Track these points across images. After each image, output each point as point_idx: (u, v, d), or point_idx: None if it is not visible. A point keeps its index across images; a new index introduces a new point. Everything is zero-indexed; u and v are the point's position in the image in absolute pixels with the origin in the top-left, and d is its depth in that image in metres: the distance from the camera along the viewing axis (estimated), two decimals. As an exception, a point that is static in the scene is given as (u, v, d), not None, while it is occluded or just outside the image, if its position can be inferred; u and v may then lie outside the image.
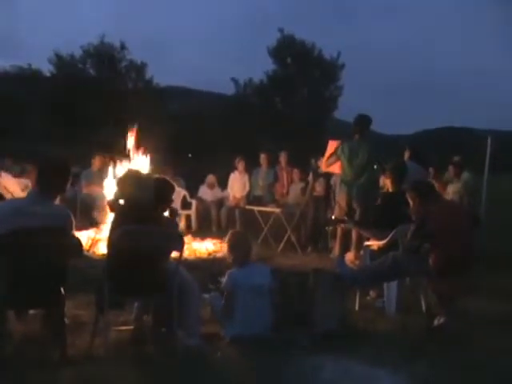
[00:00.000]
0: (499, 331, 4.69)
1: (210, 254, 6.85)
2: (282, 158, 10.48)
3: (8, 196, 6.52)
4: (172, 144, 20.51)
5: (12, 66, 29.18)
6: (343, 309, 4.76)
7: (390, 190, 5.99)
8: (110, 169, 8.29)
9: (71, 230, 3.88)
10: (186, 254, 6.09)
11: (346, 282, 4.98)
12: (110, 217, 4.45)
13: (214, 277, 5.12)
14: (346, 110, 27.33)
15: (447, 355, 4.13)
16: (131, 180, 4.45)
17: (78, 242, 3.93)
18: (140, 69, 29.57)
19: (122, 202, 4.38)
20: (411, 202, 5.11)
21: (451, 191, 8.43)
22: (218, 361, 3.82)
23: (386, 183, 6.24)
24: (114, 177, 7.62)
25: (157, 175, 4.57)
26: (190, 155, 24.82)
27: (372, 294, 5.62)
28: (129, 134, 8.01)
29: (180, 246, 4.09)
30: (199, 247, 7.19)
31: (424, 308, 5.25)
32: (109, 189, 7.37)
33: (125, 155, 7.96)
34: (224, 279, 4.42)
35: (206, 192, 11.00)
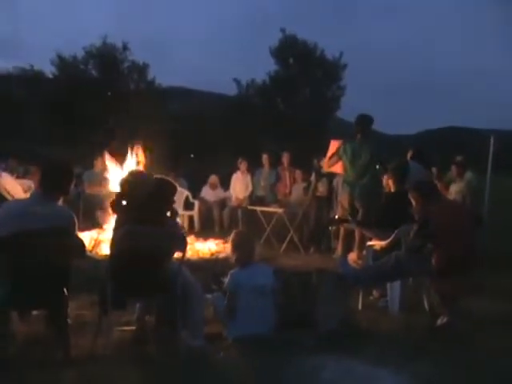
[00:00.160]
0: (502, 331, 4.69)
1: (212, 255, 6.85)
2: (285, 158, 10.48)
3: (9, 197, 6.52)
4: (174, 144, 20.53)
5: (14, 68, 29.24)
6: (346, 309, 4.76)
7: (393, 190, 5.99)
8: (113, 170, 8.29)
9: (74, 230, 3.89)
10: (189, 254, 6.08)
11: (349, 281, 4.98)
12: (113, 217, 4.46)
13: (216, 277, 5.12)
14: (348, 109, 27.32)
15: (450, 355, 4.12)
16: (133, 181, 4.46)
17: (81, 243, 3.93)
18: (142, 69, 29.59)
19: (124, 202, 4.38)
20: (414, 202, 5.11)
21: (454, 191, 8.42)
22: (220, 361, 3.82)
23: (388, 183, 6.24)
24: (117, 178, 7.61)
25: (159, 176, 4.56)
26: (192, 156, 24.83)
27: (375, 293, 5.62)
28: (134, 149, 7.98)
29: (183, 247, 4.09)
30: (202, 248, 7.19)
31: (427, 308, 5.25)
32: (112, 189, 7.37)
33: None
34: (226, 279, 4.42)
35: (208, 192, 11.01)
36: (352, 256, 5.98)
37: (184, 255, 4.13)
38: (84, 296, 4.79)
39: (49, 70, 28.52)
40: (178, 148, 21.43)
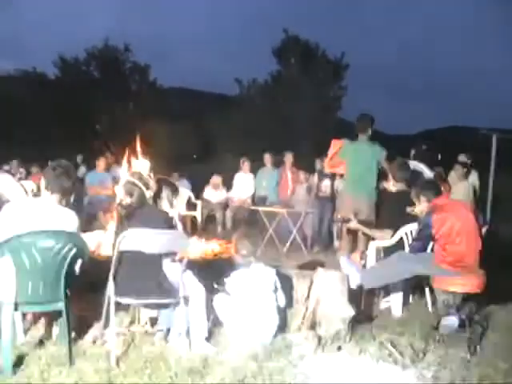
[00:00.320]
0: (505, 331, 4.69)
1: (215, 255, 6.83)
2: (287, 158, 10.47)
3: (9, 198, 6.53)
4: (176, 145, 20.56)
5: (16, 70, 29.27)
6: (349, 309, 4.75)
7: (395, 190, 5.99)
8: (116, 171, 8.29)
9: (77, 231, 3.89)
10: (191, 255, 6.07)
11: (352, 281, 4.98)
12: (115, 219, 4.46)
13: (219, 278, 5.12)
14: (349, 109, 27.27)
15: (454, 355, 4.12)
16: (135, 182, 4.46)
17: (84, 244, 3.94)
18: (143, 70, 29.63)
19: (126, 203, 4.39)
20: (416, 202, 5.11)
21: (457, 190, 8.41)
22: (223, 363, 3.82)
23: (390, 183, 6.24)
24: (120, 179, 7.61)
25: (160, 177, 4.57)
26: (194, 156, 24.86)
27: (378, 293, 5.61)
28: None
29: (185, 247, 4.10)
30: (204, 248, 7.17)
31: (430, 308, 5.24)
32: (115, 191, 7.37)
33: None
34: (229, 280, 4.42)
35: (210, 193, 11.01)
36: (355, 256, 5.97)
37: (186, 256, 4.13)
38: (87, 297, 4.78)
39: (51, 72, 28.60)
40: (181, 149, 21.45)
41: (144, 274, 3.90)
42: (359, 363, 3.87)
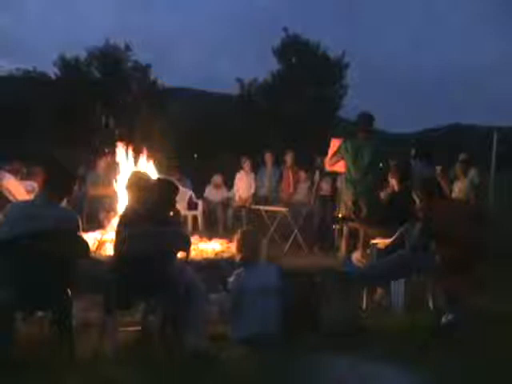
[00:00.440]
0: (507, 328, 4.68)
1: (216, 255, 6.83)
2: (288, 157, 10.46)
3: (11, 198, 6.53)
4: (177, 145, 20.54)
5: (17, 70, 29.27)
6: (351, 307, 4.75)
7: (396, 188, 5.99)
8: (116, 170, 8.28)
9: (78, 231, 3.90)
10: (193, 254, 6.08)
11: (354, 280, 4.98)
12: (116, 218, 4.47)
13: (222, 277, 5.12)
14: (350, 109, 27.27)
15: (455, 353, 4.12)
16: (137, 182, 4.47)
17: (85, 244, 3.94)
18: (145, 70, 29.61)
19: (127, 203, 4.39)
20: (417, 200, 5.11)
21: (457, 189, 8.41)
22: (225, 362, 3.82)
23: (391, 182, 6.24)
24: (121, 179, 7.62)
25: (162, 176, 4.57)
26: (195, 156, 24.83)
27: (379, 292, 5.61)
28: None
29: (186, 247, 4.10)
30: (206, 247, 7.17)
31: (431, 306, 5.24)
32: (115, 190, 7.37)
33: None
34: (231, 279, 4.42)
35: (212, 192, 11.01)
36: (356, 255, 5.97)
37: (188, 255, 4.14)
38: (88, 297, 4.79)
39: (52, 72, 28.60)
40: (182, 148, 21.44)
41: (145, 273, 3.89)
42: (361, 361, 3.86)
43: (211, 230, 9.93)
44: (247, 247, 4.49)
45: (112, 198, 7.80)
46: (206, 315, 4.23)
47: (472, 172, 8.56)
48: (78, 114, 25.50)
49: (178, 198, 4.53)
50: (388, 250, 5.29)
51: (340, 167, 7.68)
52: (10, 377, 3.44)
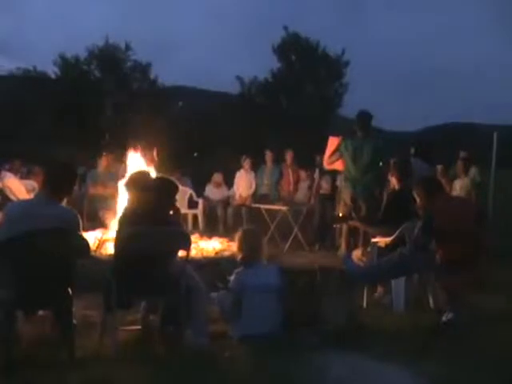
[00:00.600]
0: (508, 327, 4.68)
1: (217, 253, 6.83)
2: (288, 155, 10.46)
3: (12, 197, 6.54)
4: (177, 143, 20.52)
5: (17, 69, 29.23)
6: (351, 306, 4.75)
7: (396, 187, 5.98)
8: (117, 169, 8.29)
9: (78, 230, 3.90)
10: (193, 253, 6.08)
11: (354, 279, 4.98)
12: (117, 217, 4.47)
13: (222, 276, 5.12)
14: (350, 107, 27.25)
15: (456, 351, 4.11)
16: (137, 181, 4.47)
17: (86, 243, 3.94)
18: (145, 69, 29.57)
19: (127, 202, 4.39)
20: (418, 199, 5.10)
21: (458, 187, 8.41)
22: (225, 360, 3.82)
23: (391, 180, 6.24)
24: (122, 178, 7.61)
25: (161, 175, 4.57)
26: (195, 154, 24.82)
27: (380, 290, 5.61)
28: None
29: (187, 246, 4.10)
30: (206, 246, 7.18)
31: (432, 304, 5.24)
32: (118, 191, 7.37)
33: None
34: (232, 278, 4.42)
35: (212, 191, 11.01)
36: (356, 253, 5.96)
37: (188, 254, 4.14)
38: (89, 296, 4.79)
39: (51, 71, 28.56)
40: (182, 147, 21.44)
41: (145, 273, 3.89)
42: (362, 360, 3.86)
43: (211, 228, 9.94)
44: (248, 246, 4.48)
45: (112, 197, 7.81)
46: (207, 314, 4.23)
47: (473, 170, 8.56)
48: (79, 113, 25.50)
49: (177, 197, 4.53)
50: (388, 248, 5.29)
51: (339, 165, 7.68)
52: (10, 376, 3.44)
